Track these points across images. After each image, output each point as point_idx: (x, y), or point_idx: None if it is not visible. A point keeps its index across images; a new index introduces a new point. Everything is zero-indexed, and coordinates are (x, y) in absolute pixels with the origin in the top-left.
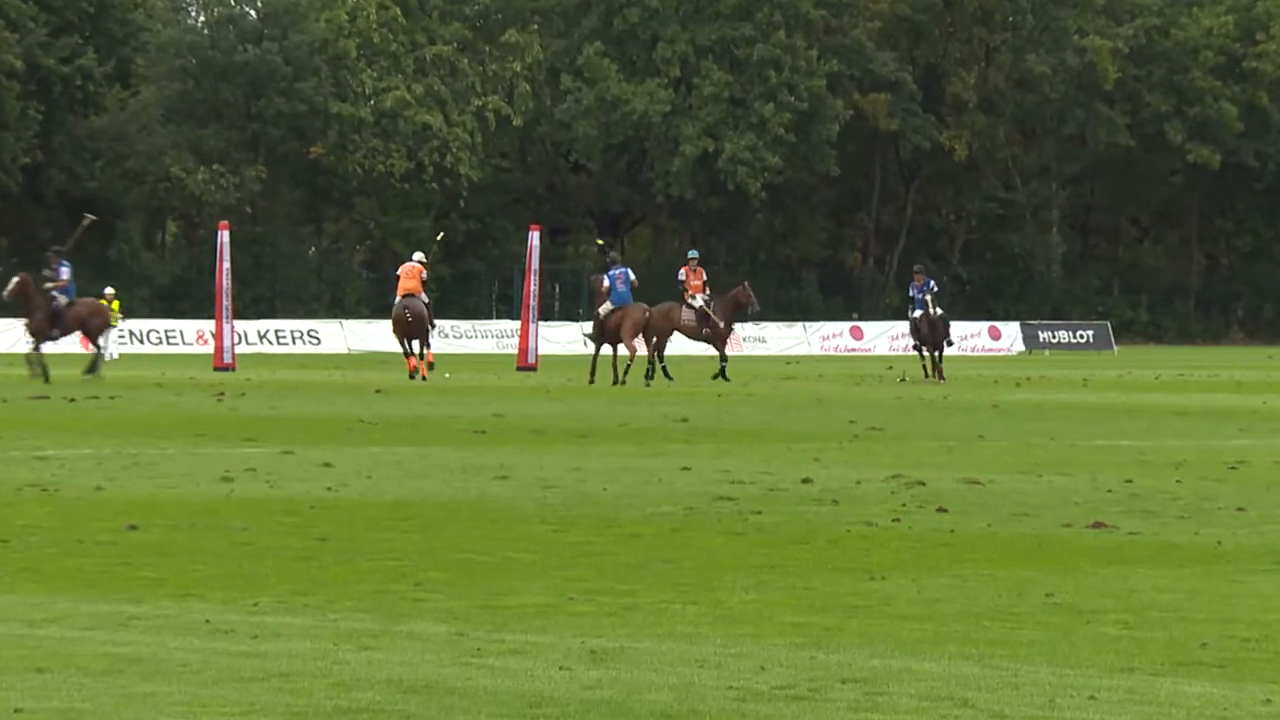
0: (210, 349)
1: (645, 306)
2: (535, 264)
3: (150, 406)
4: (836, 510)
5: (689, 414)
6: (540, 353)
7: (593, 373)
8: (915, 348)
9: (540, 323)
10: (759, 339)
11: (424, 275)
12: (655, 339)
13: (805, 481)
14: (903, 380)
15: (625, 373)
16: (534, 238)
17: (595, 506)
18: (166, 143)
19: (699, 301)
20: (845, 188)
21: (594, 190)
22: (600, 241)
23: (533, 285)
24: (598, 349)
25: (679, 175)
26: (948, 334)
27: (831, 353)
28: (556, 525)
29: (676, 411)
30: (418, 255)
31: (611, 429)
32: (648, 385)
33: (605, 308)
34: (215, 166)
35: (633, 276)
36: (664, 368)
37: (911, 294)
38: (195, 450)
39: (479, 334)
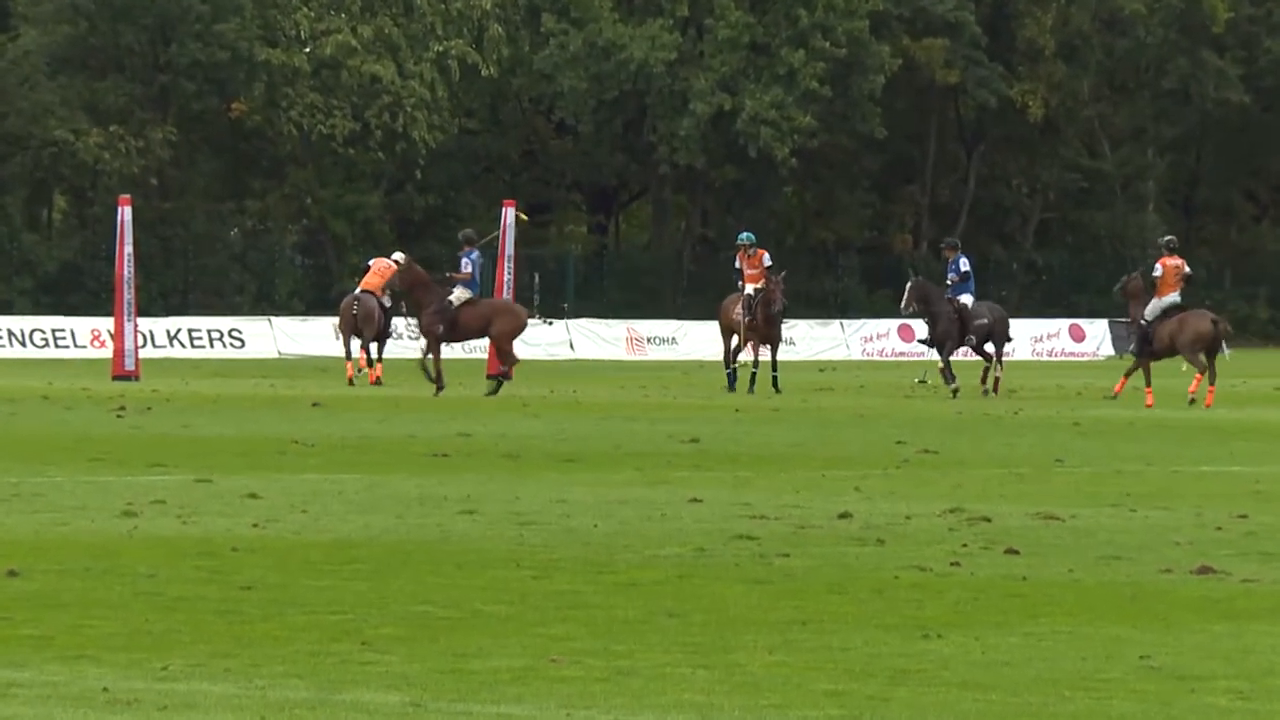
0: (108, 353)
1: (523, 310)
2: (509, 248)
3: (34, 424)
4: (881, 552)
5: (700, 433)
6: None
7: (438, 378)
8: (972, 348)
9: None
10: (787, 340)
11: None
12: (742, 341)
13: (843, 516)
14: (921, 381)
15: (495, 386)
16: (508, 216)
17: (583, 548)
18: (53, 99)
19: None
20: (893, 155)
21: (582, 158)
22: (525, 216)
23: (506, 274)
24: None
25: (687, 139)
26: (999, 333)
27: (875, 357)
28: (536, 570)
29: (685, 430)
30: (397, 255)
31: (603, 452)
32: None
33: (459, 294)
34: (114, 128)
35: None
36: (773, 377)
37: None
38: (90, 478)
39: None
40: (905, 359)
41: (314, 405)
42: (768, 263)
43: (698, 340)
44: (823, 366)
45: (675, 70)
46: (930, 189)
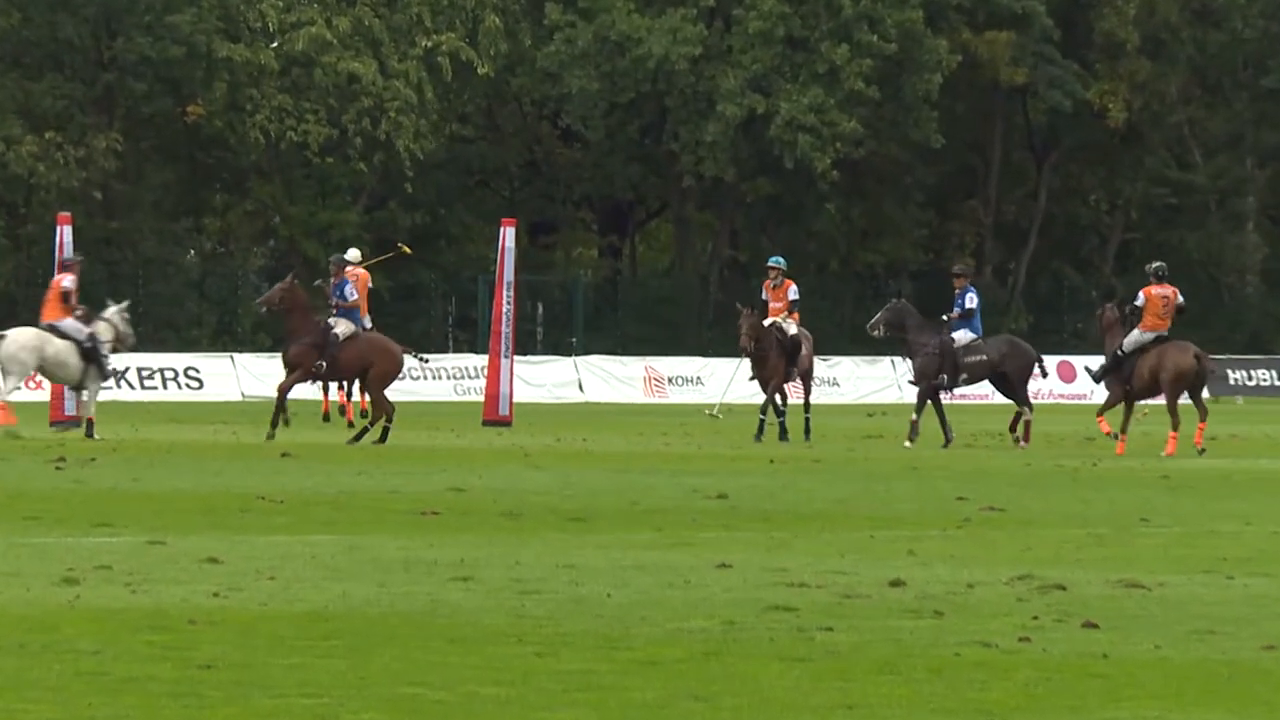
0: (45, 395)
1: (399, 350)
2: (509, 274)
3: None
4: (940, 625)
5: (729, 488)
6: (517, 400)
7: (281, 412)
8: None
9: (517, 358)
10: (829, 380)
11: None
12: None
13: (895, 584)
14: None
15: (376, 433)
16: (507, 236)
17: (595, 620)
18: None
19: (784, 322)
20: (951, 166)
21: (593, 169)
22: (407, 250)
23: (505, 304)
24: (326, 385)
25: (714, 148)
26: (1015, 372)
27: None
28: (540, 647)
29: (711, 485)
30: (352, 252)
31: (618, 510)
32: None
33: (344, 327)
34: (50, 135)
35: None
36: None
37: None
38: (24, 540)
39: (428, 372)
40: (965, 401)
41: (283, 455)
42: (793, 296)
43: (726, 380)
44: (871, 411)
45: (700, 68)
46: (995, 205)
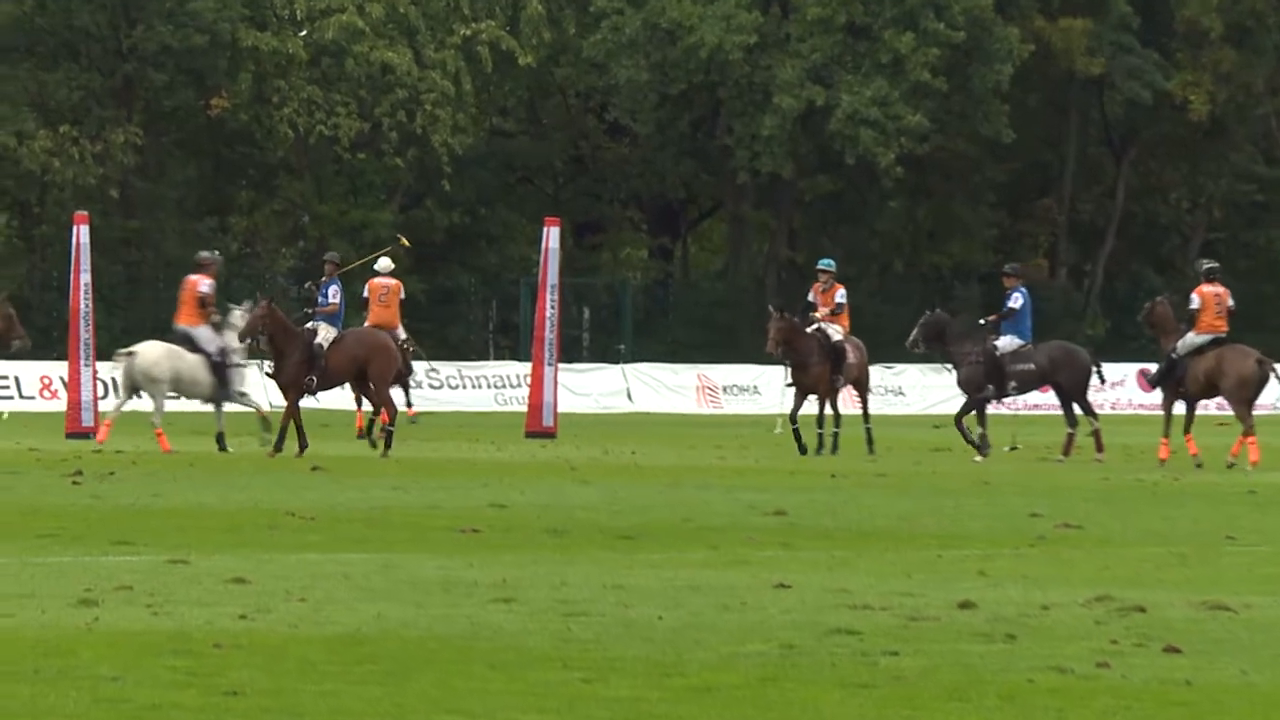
0: (61, 405)
1: (392, 343)
2: (553, 277)
3: None
4: (1012, 650)
5: (788, 504)
6: (561, 410)
7: (300, 436)
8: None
9: (561, 365)
10: (894, 390)
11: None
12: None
13: (965, 606)
14: (1013, 448)
15: (384, 440)
16: (551, 237)
17: (646, 644)
18: None
19: (831, 330)
20: (1023, 162)
21: (642, 165)
22: (406, 242)
23: (549, 308)
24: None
25: (771, 143)
26: (1070, 383)
27: (1005, 410)
28: (587, 672)
29: (769, 501)
30: (384, 263)
31: (670, 526)
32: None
33: (324, 333)
34: (65, 129)
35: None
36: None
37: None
38: (39, 559)
39: (468, 382)
40: (1039, 412)
41: (314, 469)
42: (840, 299)
43: (783, 390)
44: (938, 422)
45: (755, 58)
46: (1069, 203)
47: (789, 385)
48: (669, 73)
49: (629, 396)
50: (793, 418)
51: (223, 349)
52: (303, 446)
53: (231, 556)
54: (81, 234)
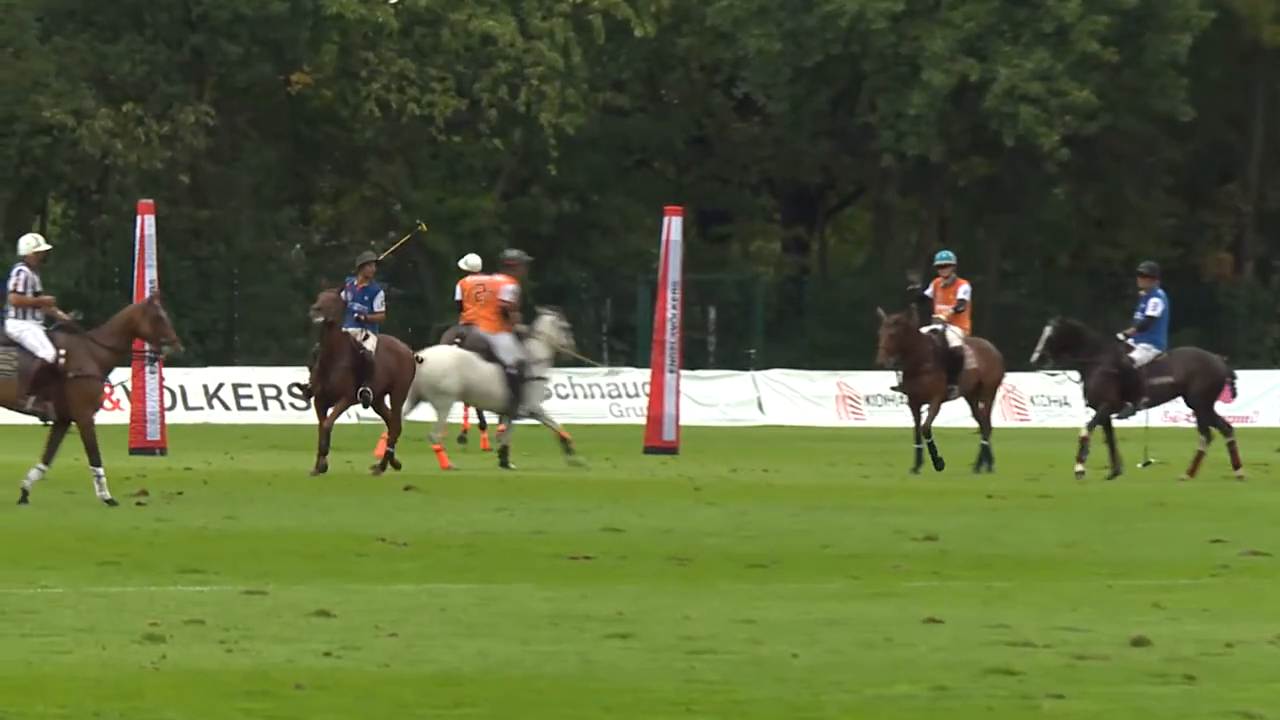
0: (124, 417)
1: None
2: (674, 273)
3: (24, 515)
4: (1191, 692)
5: (939, 529)
6: (684, 422)
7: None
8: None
9: (684, 372)
10: (1059, 400)
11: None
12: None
13: (1137, 644)
14: (1146, 464)
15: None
16: (672, 228)
17: (779, 685)
18: (46, 68)
19: (944, 330)
20: (1204, 143)
21: (774, 147)
22: (424, 227)
23: (670, 308)
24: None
25: (919, 122)
26: (1201, 393)
27: (1181, 423)
28: (713, 715)
29: (918, 525)
30: (472, 259)
31: (806, 554)
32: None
33: (372, 342)
34: (129, 107)
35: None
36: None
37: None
38: (100, 589)
39: (579, 390)
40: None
41: (406, 489)
42: (963, 295)
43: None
44: (1141, 437)
45: (902, 27)
46: (1257, 189)
47: (894, 389)
48: (804, 43)
49: (760, 407)
50: (917, 435)
51: (522, 361)
52: (323, 457)
53: (314, 587)
54: (146, 225)
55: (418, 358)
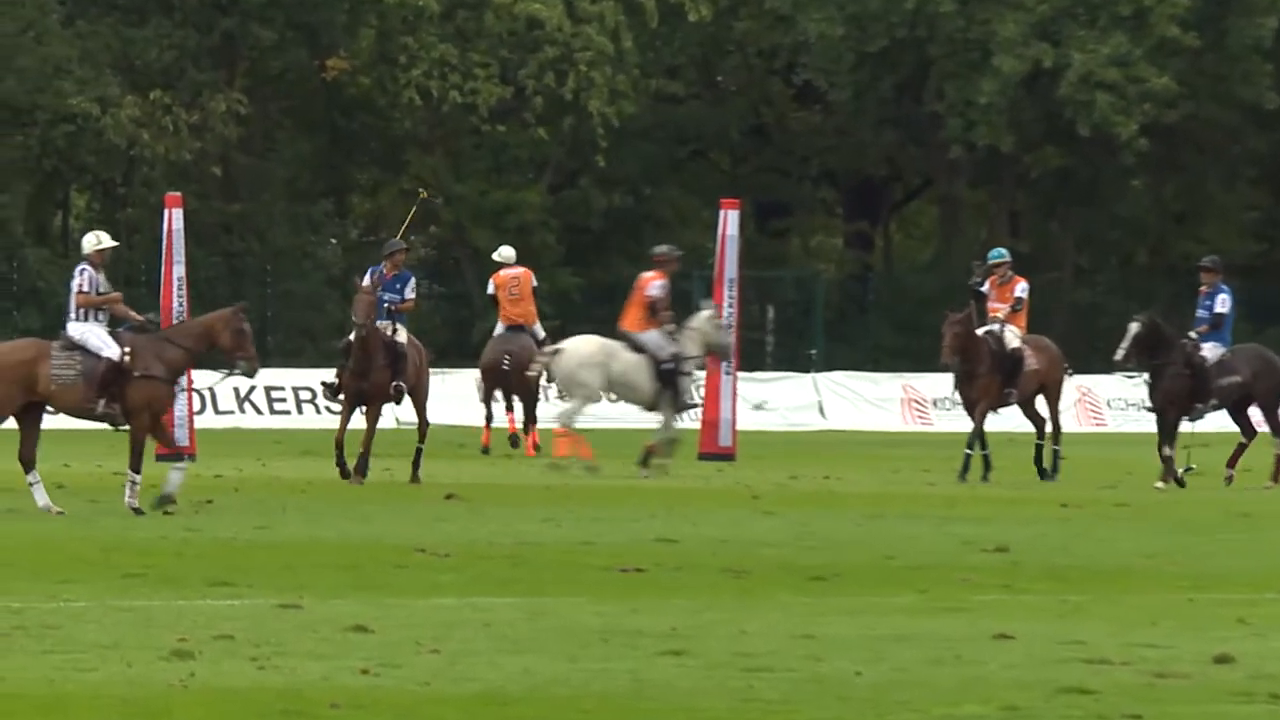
0: None
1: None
2: (730, 269)
3: (45, 525)
4: (1277, 712)
5: (1010, 539)
6: (741, 427)
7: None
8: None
9: (741, 374)
10: (1138, 403)
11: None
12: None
13: (1220, 661)
14: (1187, 470)
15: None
16: (729, 222)
17: (842, 704)
18: (69, 54)
19: (1001, 330)
20: None
21: (836, 137)
22: (424, 193)
23: (726, 304)
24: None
25: (990, 110)
26: (1267, 394)
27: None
28: None
29: (988, 535)
30: (506, 251)
31: (869, 565)
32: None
33: (404, 335)
34: (156, 95)
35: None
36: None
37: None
38: (126, 603)
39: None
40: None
41: (448, 497)
42: (1020, 294)
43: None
44: (1187, 442)
45: (971, 10)
46: None
47: (955, 390)
48: (868, 27)
49: (821, 411)
50: (970, 442)
51: (676, 355)
52: (344, 473)
53: (351, 600)
54: (174, 218)
55: (556, 349)
